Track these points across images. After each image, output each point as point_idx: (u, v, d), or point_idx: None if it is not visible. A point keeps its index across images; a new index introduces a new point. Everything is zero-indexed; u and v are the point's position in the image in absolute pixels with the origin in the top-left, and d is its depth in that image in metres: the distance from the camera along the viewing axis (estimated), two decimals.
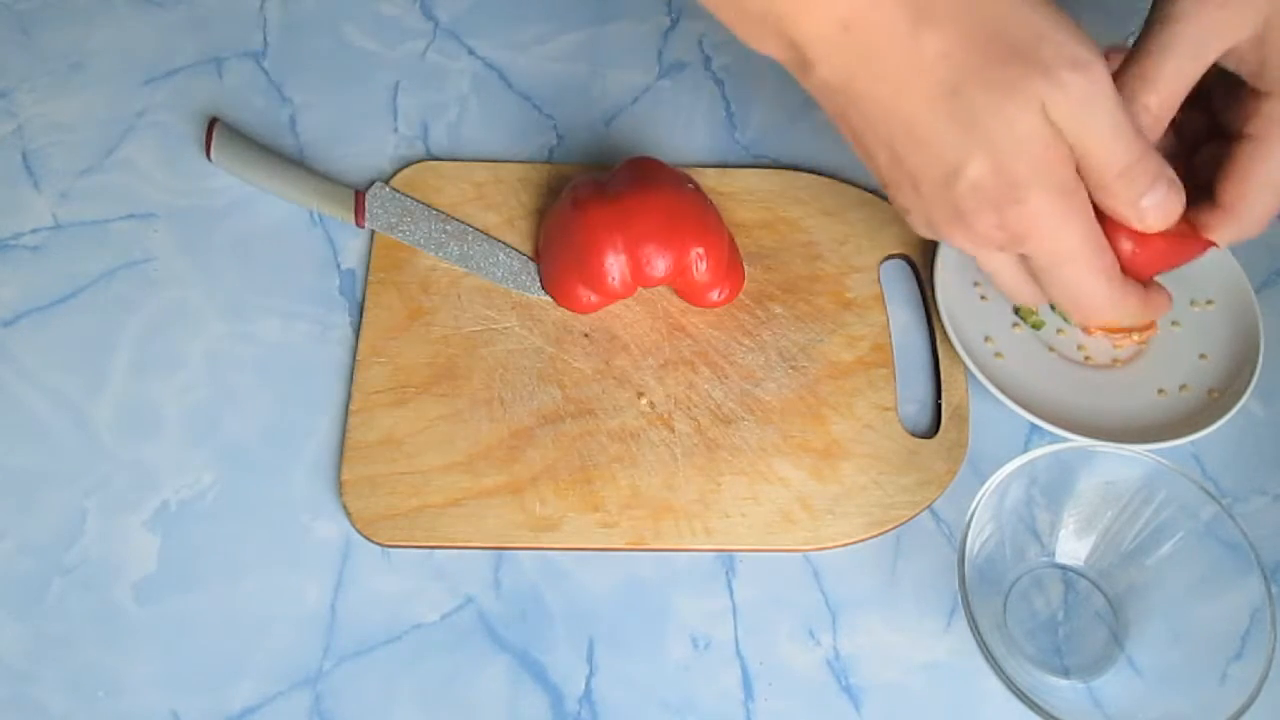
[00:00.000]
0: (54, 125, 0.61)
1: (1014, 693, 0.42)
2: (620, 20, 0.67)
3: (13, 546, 0.49)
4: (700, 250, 0.52)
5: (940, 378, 0.54)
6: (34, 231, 0.58)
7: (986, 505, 0.46)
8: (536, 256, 0.57)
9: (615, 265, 0.52)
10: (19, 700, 0.46)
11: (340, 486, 0.50)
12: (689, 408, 0.53)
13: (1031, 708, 0.42)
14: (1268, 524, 0.52)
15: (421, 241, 0.57)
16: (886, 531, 0.50)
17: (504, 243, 0.57)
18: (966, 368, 0.53)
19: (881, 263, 0.57)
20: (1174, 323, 0.56)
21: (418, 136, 0.62)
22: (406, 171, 0.60)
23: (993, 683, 0.43)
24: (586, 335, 0.55)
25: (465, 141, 0.62)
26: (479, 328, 0.55)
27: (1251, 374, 0.53)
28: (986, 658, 0.43)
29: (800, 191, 0.59)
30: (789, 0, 0.39)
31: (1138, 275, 0.45)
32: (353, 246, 0.58)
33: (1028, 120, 0.38)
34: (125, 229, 0.58)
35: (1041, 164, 0.39)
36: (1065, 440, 0.50)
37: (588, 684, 0.47)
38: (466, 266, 0.56)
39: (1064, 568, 0.50)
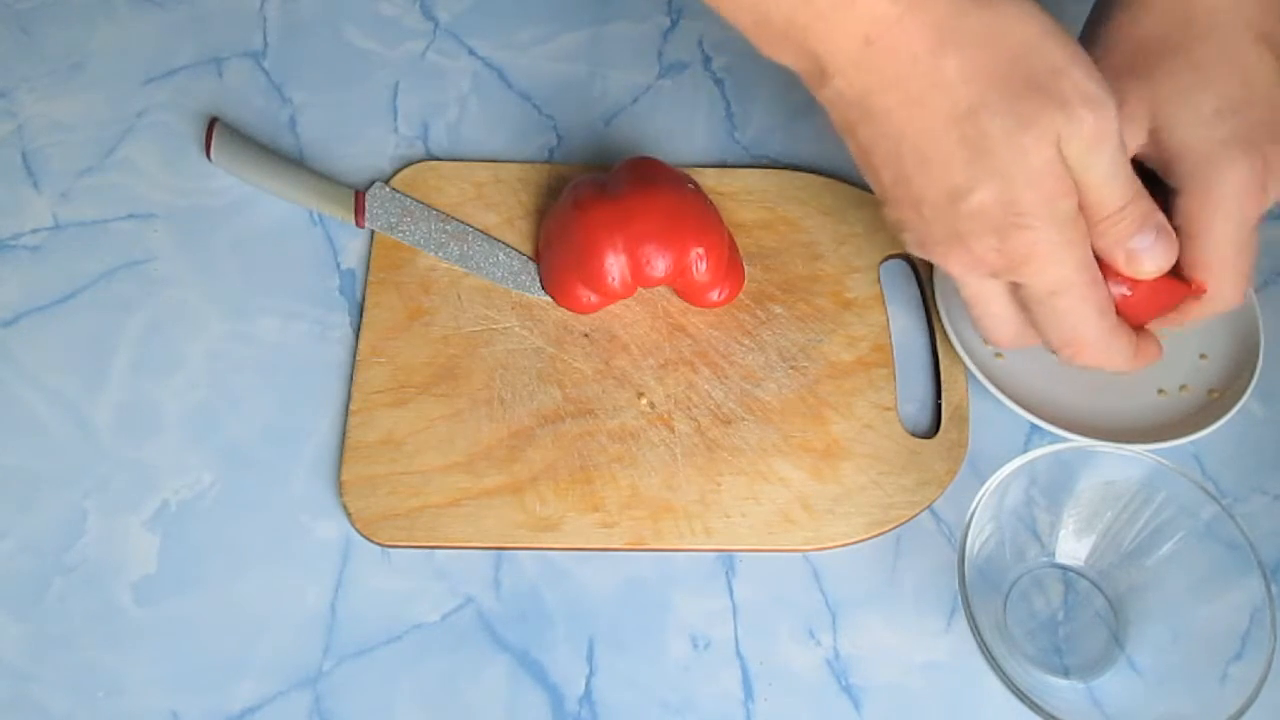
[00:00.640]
0: (54, 125, 0.61)
1: (1014, 693, 0.42)
2: (620, 20, 0.67)
3: (13, 546, 0.49)
4: (700, 250, 0.52)
5: (940, 378, 0.54)
6: (34, 231, 0.58)
7: (986, 505, 0.46)
8: (536, 256, 0.57)
9: (615, 265, 0.52)
10: (19, 700, 0.46)
11: (340, 486, 0.50)
12: (689, 408, 0.53)
13: (1031, 708, 0.42)
14: (1268, 524, 0.52)
15: (421, 241, 0.57)
16: (886, 531, 0.50)
17: (504, 243, 0.57)
18: (966, 368, 0.53)
19: (881, 263, 0.57)
20: None
21: (418, 136, 0.62)
22: (406, 171, 0.60)
23: (993, 683, 0.43)
24: (586, 335, 0.55)
25: (465, 141, 0.62)
26: (479, 328, 0.55)
27: (1251, 374, 0.53)
28: (986, 658, 0.43)
29: (800, 191, 0.59)
30: (813, 13, 0.39)
31: (1129, 322, 0.46)
32: (353, 246, 0.58)
33: (1042, 152, 0.39)
34: (125, 229, 0.58)
35: (1049, 196, 0.40)
36: (1065, 440, 0.50)
37: (588, 684, 0.47)
38: (466, 266, 0.56)
39: (1064, 568, 0.50)
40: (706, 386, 0.53)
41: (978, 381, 0.52)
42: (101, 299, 0.56)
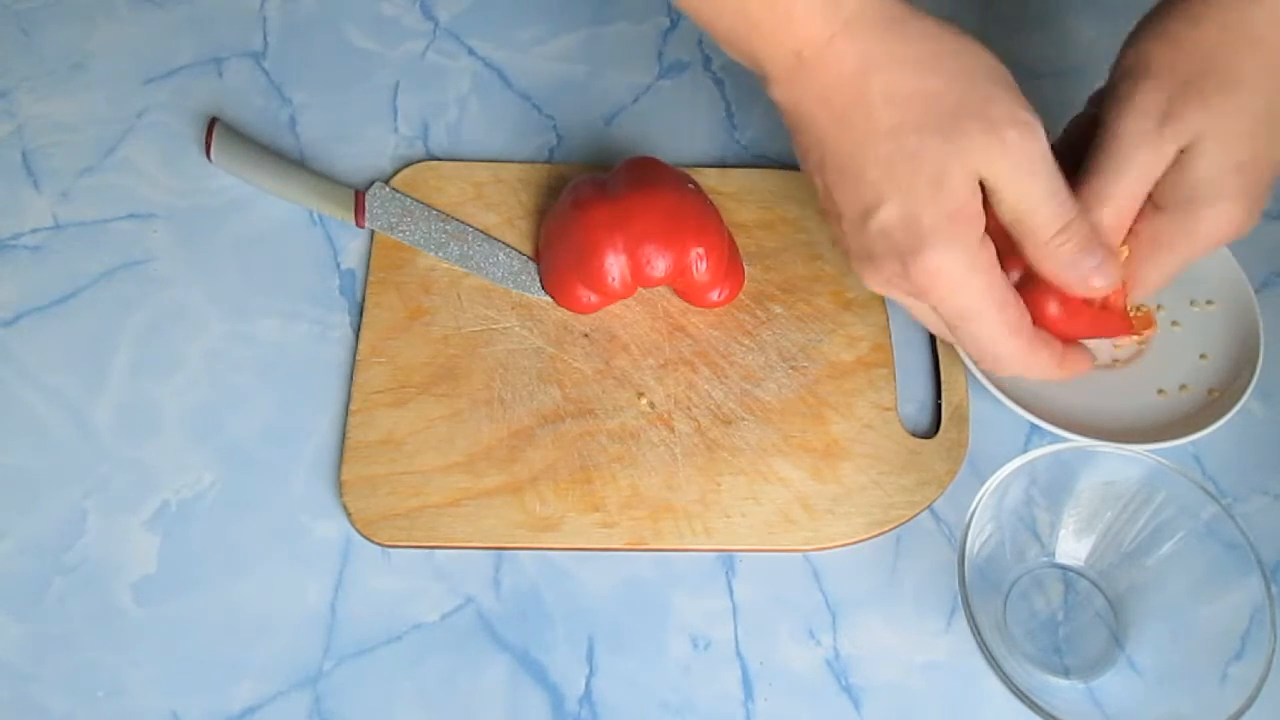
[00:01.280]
0: (54, 125, 0.61)
1: (1014, 693, 0.42)
2: (620, 20, 0.67)
3: (13, 546, 0.49)
4: (700, 250, 0.52)
5: (940, 378, 0.54)
6: (34, 231, 0.58)
7: (986, 505, 0.46)
8: (536, 256, 0.57)
9: (615, 265, 0.52)
10: (19, 700, 0.46)
11: (340, 486, 0.50)
12: (689, 408, 0.53)
13: (1031, 708, 0.42)
14: (1268, 524, 0.52)
15: (421, 241, 0.57)
16: (886, 531, 0.50)
17: (504, 243, 0.57)
18: (966, 368, 0.53)
19: None
20: (1174, 323, 0.56)
21: (418, 136, 0.62)
22: (406, 171, 0.60)
23: (993, 683, 0.43)
24: (586, 335, 0.55)
25: (465, 141, 0.62)
26: (479, 328, 0.55)
27: (1251, 374, 0.53)
28: (986, 658, 0.43)
29: (800, 191, 0.59)
30: (750, 25, 0.41)
31: (1060, 337, 0.47)
32: (353, 246, 0.58)
33: (955, 171, 0.40)
34: (125, 229, 0.58)
35: (951, 218, 0.40)
36: (1065, 440, 0.50)
37: (588, 684, 0.47)
38: (466, 266, 0.56)
39: (1064, 568, 0.50)
40: (706, 386, 0.53)
41: (978, 381, 0.52)
42: (101, 299, 0.56)
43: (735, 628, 0.49)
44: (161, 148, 0.61)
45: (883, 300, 0.56)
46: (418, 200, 0.58)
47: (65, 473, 0.51)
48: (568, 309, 0.55)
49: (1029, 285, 0.45)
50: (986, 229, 0.42)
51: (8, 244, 0.57)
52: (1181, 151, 0.44)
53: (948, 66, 0.40)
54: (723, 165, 0.61)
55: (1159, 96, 0.43)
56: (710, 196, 0.55)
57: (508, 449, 0.51)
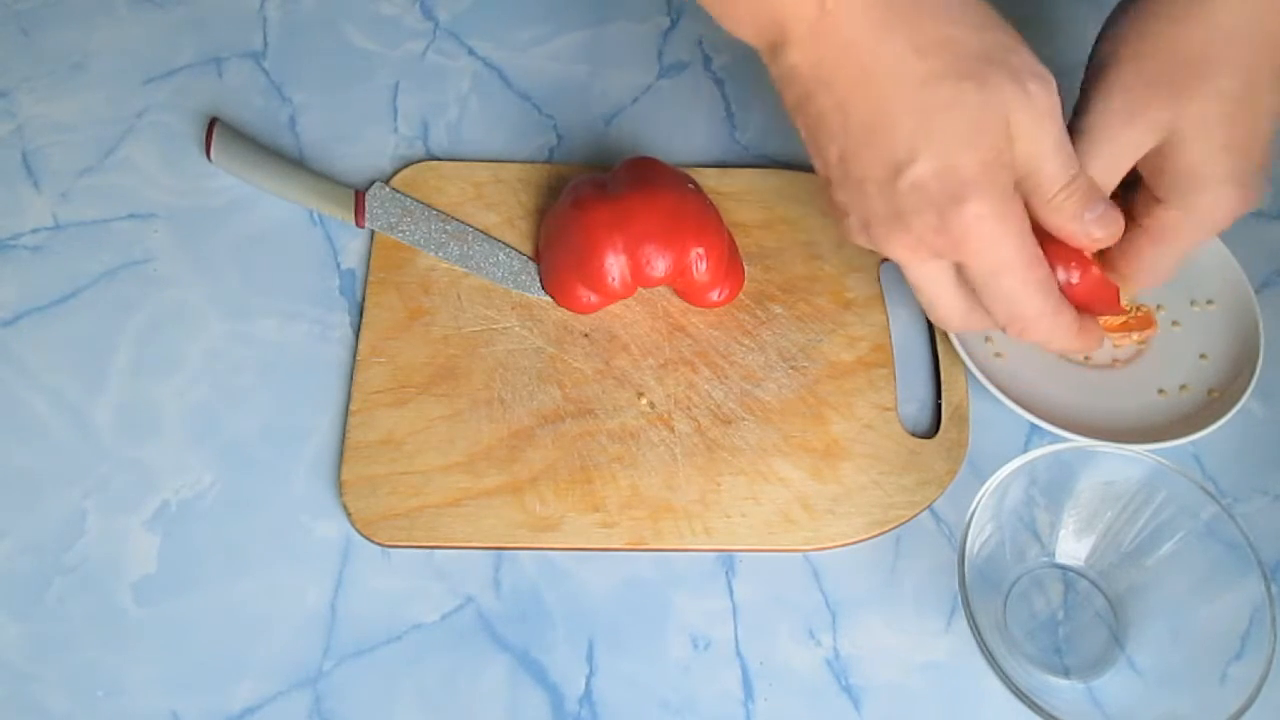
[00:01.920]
0: (54, 125, 0.61)
1: (1014, 693, 0.42)
2: (620, 20, 0.67)
3: (13, 546, 0.49)
4: (700, 250, 0.52)
5: (940, 378, 0.54)
6: (34, 231, 0.58)
7: (986, 505, 0.46)
8: (536, 256, 0.57)
9: (615, 265, 0.52)
10: (19, 700, 0.46)
11: (340, 486, 0.50)
12: (689, 408, 0.53)
13: (1031, 708, 0.42)
14: (1268, 524, 0.52)
15: (421, 241, 0.57)
16: (886, 531, 0.50)
17: (504, 243, 0.57)
18: (966, 368, 0.53)
19: (882, 263, 0.57)
20: (1174, 323, 0.56)
21: (418, 136, 0.62)
22: (406, 171, 0.60)
23: (993, 683, 0.43)
24: (586, 335, 0.55)
25: (465, 141, 0.62)
26: (479, 328, 0.55)
27: (1251, 374, 0.53)
28: (986, 658, 0.43)
29: (800, 191, 0.59)
30: None
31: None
32: (353, 246, 0.58)
33: (990, 117, 0.40)
34: (125, 229, 0.58)
35: (988, 166, 0.40)
36: (1065, 440, 0.50)
37: (588, 684, 0.47)
38: (466, 266, 0.56)
39: (1064, 568, 0.50)
40: (706, 386, 0.53)
41: (978, 381, 0.52)
42: (101, 299, 0.56)
43: (735, 628, 0.49)
44: (161, 148, 0.61)
45: (883, 300, 0.56)
46: (418, 200, 0.58)
47: (65, 473, 0.51)
48: (568, 309, 0.55)
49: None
50: None
51: (8, 244, 0.57)
52: (1164, 144, 0.44)
53: (967, 14, 0.40)
54: (723, 165, 0.61)
55: (1127, 92, 0.44)
56: (710, 196, 0.55)
57: (508, 449, 0.51)
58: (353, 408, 0.52)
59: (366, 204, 0.58)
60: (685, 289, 0.54)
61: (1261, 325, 0.55)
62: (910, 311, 0.57)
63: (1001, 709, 0.46)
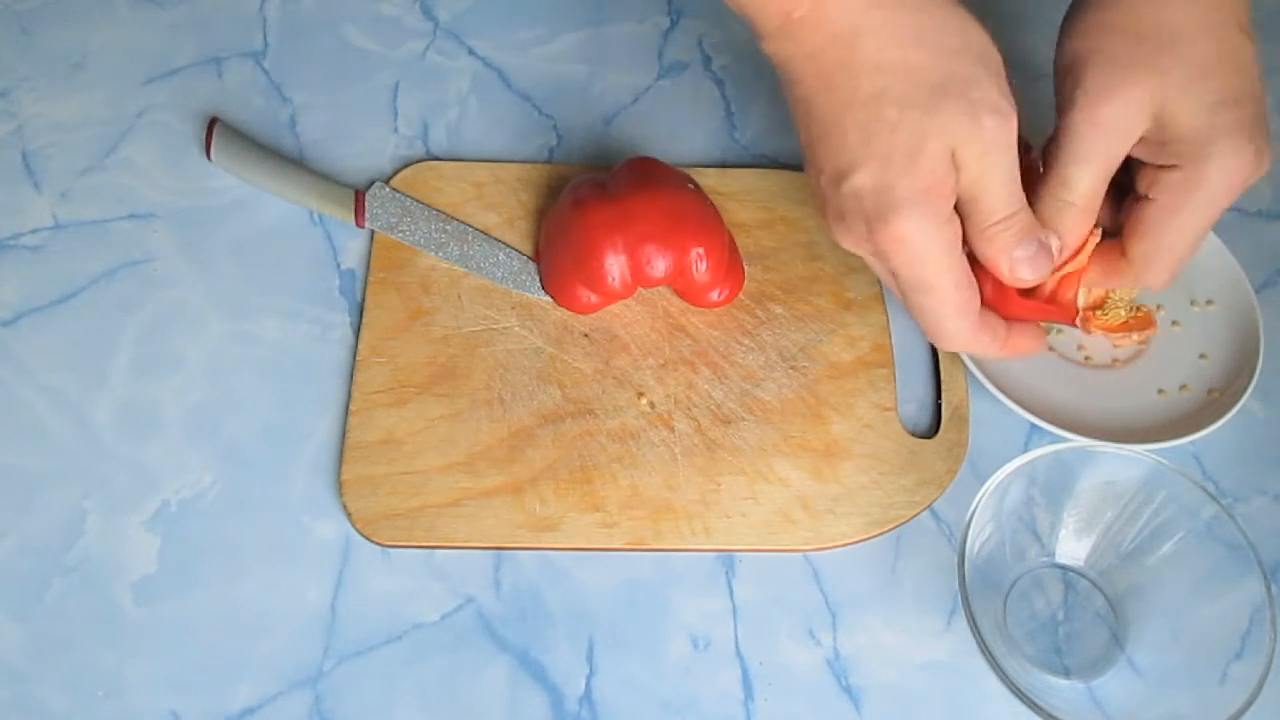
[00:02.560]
0: (54, 125, 0.61)
1: (1014, 693, 0.42)
2: (620, 20, 0.68)
3: (13, 546, 0.49)
4: (700, 250, 0.52)
5: (940, 378, 0.54)
6: (34, 231, 0.58)
7: (986, 505, 0.46)
8: (536, 256, 0.57)
9: (615, 265, 0.52)
10: (19, 700, 0.46)
11: (340, 486, 0.50)
12: (689, 408, 0.53)
13: (1031, 708, 0.42)
14: (1268, 524, 0.52)
15: (421, 241, 0.57)
16: (886, 531, 0.50)
17: (504, 243, 0.57)
18: (966, 368, 0.53)
19: None
20: (1174, 323, 0.56)
21: (418, 136, 0.62)
22: (406, 171, 0.60)
23: (993, 683, 0.43)
24: (586, 335, 0.55)
25: (465, 141, 0.62)
26: (479, 328, 0.55)
27: (1251, 374, 0.53)
28: (986, 658, 0.43)
29: (800, 191, 0.59)
30: None
31: (1006, 316, 0.47)
32: (353, 246, 0.58)
33: (932, 146, 0.40)
34: (125, 229, 0.58)
35: (923, 192, 0.41)
36: (1065, 440, 0.50)
37: (588, 684, 0.47)
38: (466, 266, 0.56)
39: (1064, 568, 0.50)
40: (706, 386, 0.53)
41: (978, 381, 0.52)
42: (101, 299, 0.56)
43: (735, 628, 0.49)
44: (161, 148, 0.61)
45: (883, 300, 0.56)
46: (418, 200, 0.58)
47: (65, 473, 0.51)
48: (568, 309, 0.55)
49: (974, 266, 0.45)
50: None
51: (8, 244, 0.57)
52: (1155, 121, 0.44)
53: (937, 40, 0.41)
54: (723, 165, 0.61)
55: (1103, 80, 0.44)
56: (710, 196, 0.55)
57: (508, 449, 0.51)
58: (353, 408, 0.52)
59: (366, 204, 0.58)
60: (685, 289, 0.54)
61: (1261, 325, 0.55)
62: None
63: (1001, 709, 0.46)
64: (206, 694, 0.46)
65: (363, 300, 0.56)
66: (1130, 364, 0.55)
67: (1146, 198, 0.45)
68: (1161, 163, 0.45)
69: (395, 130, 0.62)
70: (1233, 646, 0.44)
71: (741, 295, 0.56)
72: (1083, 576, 0.50)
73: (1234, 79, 0.44)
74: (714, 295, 0.54)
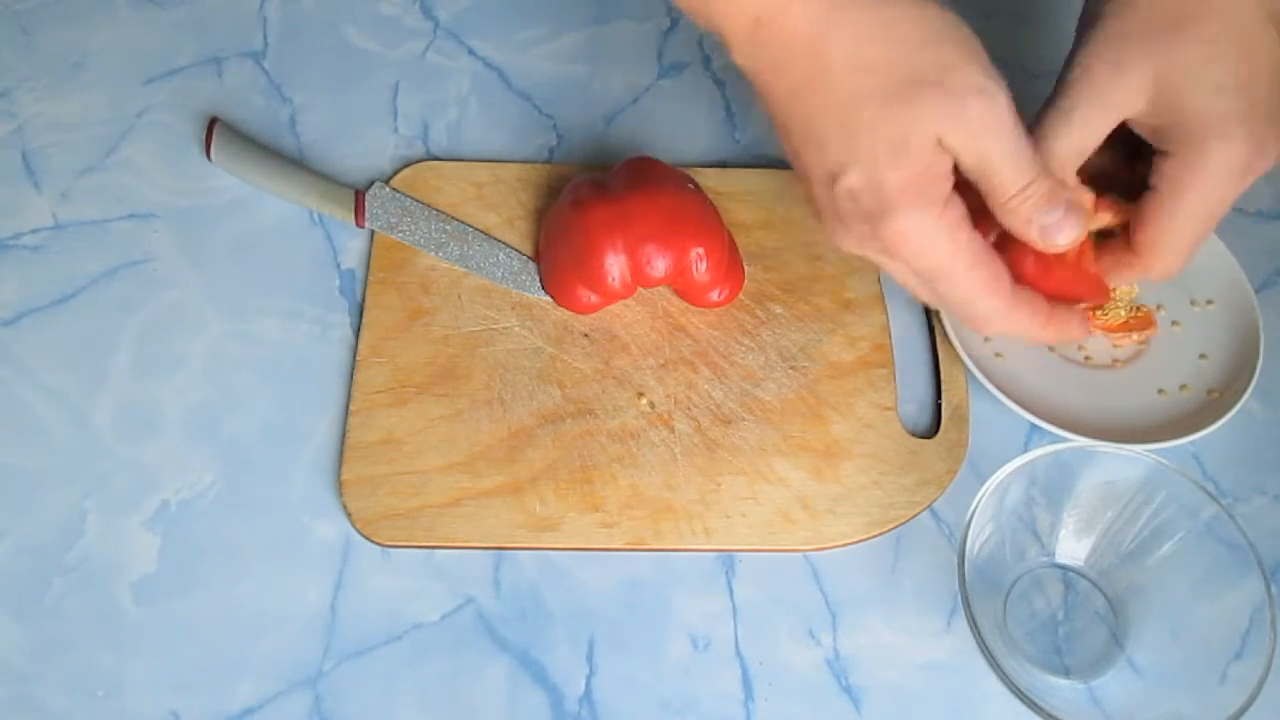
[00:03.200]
0: (54, 125, 0.61)
1: (1014, 693, 0.42)
2: (620, 20, 0.67)
3: (13, 546, 0.49)
4: (700, 250, 0.52)
5: (940, 378, 0.54)
6: (34, 231, 0.58)
7: (986, 505, 0.46)
8: (536, 256, 0.57)
9: (615, 265, 0.52)
10: (19, 700, 0.46)
11: (340, 486, 0.50)
12: (689, 408, 0.53)
13: (1031, 708, 0.42)
14: (1268, 524, 0.52)
15: (421, 241, 0.57)
16: (886, 531, 0.50)
17: (504, 243, 0.57)
18: (966, 368, 0.53)
19: None
20: (1174, 323, 0.56)
21: (418, 136, 0.62)
22: (406, 171, 0.60)
23: (993, 683, 0.43)
24: (586, 335, 0.55)
25: (465, 141, 0.62)
26: (479, 328, 0.55)
27: (1251, 374, 0.53)
28: (986, 658, 0.43)
29: (800, 191, 0.59)
30: None
31: (1045, 294, 0.46)
32: (353, 246, 0.58)
33: (916, 138, 0.40)
34: (125, 229, 0.58)
35: (914, 181, 0.41)
36: (1065, 440, 0.50)
37: (588, 684, 0.47)
38: (466, 266, 0.56)
39: (1064, 568, 0.50)
40: (706, 386, 0.53)
41: (978, 381, 0.52)
42: (101, 299, 0.56)
43: (735, 628, 0.49)
44: (161, 148, 0.61)
45: (883, 300, 0.56)
46: (418, 200, 0.58)
47: (65, 473, 0.51)
48: (568, 309, 0.55)
49: (1010, 242, 0.45)
50: (960, 190, 0.42)
51: (8, 244, 0.57)
52: (1155, 98, 0.43)
53: (907, 33, 0.40)
54: (723, 165, 0.61)
55: (1107, 51, 0.44)
56: (710, 196, 0.55)
57: (508, 449, 0.51)
58: (353, 408, 0.52)
59: (366, 204, 0.58)
60: (685, 289, 0.54)
61: (1261, 325, 0.55)
62: (910, 311, 0.57)
63: (1001, 709, 0.46)
64: (206, 694, 0.46)
65: (363, 300, 0.56)
66: (1130, 364, 0.55)
67: (1153, 187, 0.45)
68: (1163, 148, 0.44)
69: (395, 130, 0.62)
70: (1233, 646, 0.44)
71: (741, 295, 0.56)
72: (1083, 576, 0.50)
73: (1241, 63, 0.43)
74: (714, 295, 0.54)
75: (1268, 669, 0.42)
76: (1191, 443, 0.51)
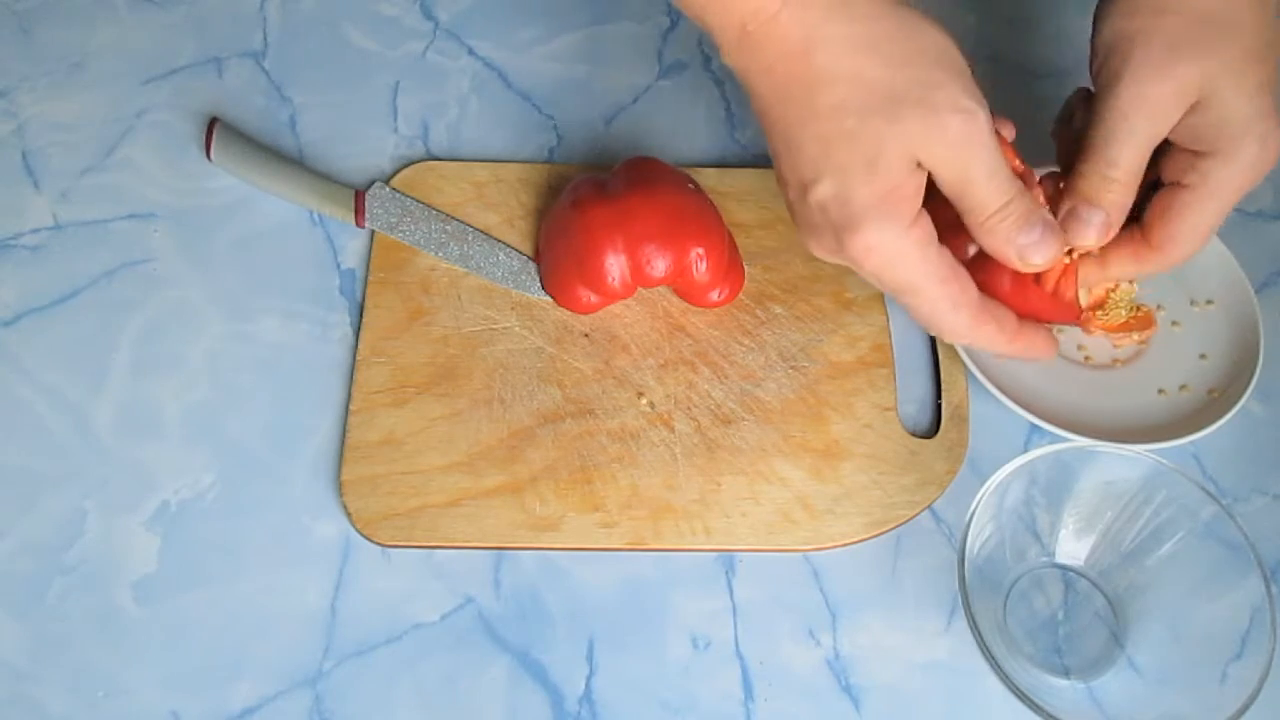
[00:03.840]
0: (54, 125, 0.61)
1: (1014, 693, 0.42)
2: (620, 20, 0.67)
3: (13, 546, 0.49)
4: (700, 250, 0.52)
5: (940, 378, 0.54)
6: (34, 231, 0.58)
7: (986, 505, 0.46)
8: (536, 256, 0.57)
9: (615, 265, 0.52)
10: (19, 700, 0.46)
11: (340, 486, 0.50)
12: (689, 408, 0.53)
13: (1031, 708, 0.42)
14: (1268, 524, 0.52)
15: (421, 241, 0.57)
16: (886, 531, 0.50)
17: (504, 243, 0.57)
18: (966, 368, 0.53)
19: None
20: (1174, 323, 0.56)
21: (418, 136, 0.62)
22: (406, 171, 0.60)
23: (993, 683, 0.43)
24: (586, 335, 0.55)
25: (465, 141, 0.62)
26: (479, 328, 0.55)
27: (1251, 374, 0.53)
28: (986, 658, 0.43)
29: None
30: None
31: (1018, 313, 0.46)
32: (353, 246, 0.58)
33: (892, 154, 0.40)
34: (125, 229, 0.58)
35: (884, 199, 0.41)
36: (1065, 440, 0.50)
37: (588, 684, 0.47)
38: (466, 266, 0.56)
39: (1064, 568, 0.50)
40: (706, 386, 0.53)
41: (978, 381, 0.52)
42: (101, 299, 0.56)
43: (735, 628, 0.49)
44: (161, 148, 0.61)
45: (883, 300, 0.56)
46: (418, 200, 0.58)
47: (65, 473, 0.51)
48: (568, 309, 0.55)
49: (986, 260, 0.45)
50: (937, 205, 0.42)
51: (8, 244, 0.57)
52: (1198, 102, 0.44)
53: (893, 48, 0.41)
54: (723, 165, 0.61)
55: (1153, 58, 0.44)
56: (710, 196, 0.55)
57: (508, 449, 0.51)
58: (353, 408, 0.52)
59: (366, 204, 0.58)
60: (685, 289, 0.54)
61: (1261, 325, 0.55)
62: None
63: (1001, 709, 0.46)
64: (206, 694, 0.46)
65: (363, 300, 0.56)
66: (1130, 364, 0.55)
67: (1178, 184, 0.45)
68: (1198, 148, 0.45)
69: (395, 130, 0.62)
70: (1233, 646, 0.44)
71: (741, 295, 0.56)
72: (1083, 576, 0.50)
73: (1270, 64, 0.44)
74: (714, 295, 0.54)
75: (1268, 669, 0.42)
76: (1191, 443, 0.51)
